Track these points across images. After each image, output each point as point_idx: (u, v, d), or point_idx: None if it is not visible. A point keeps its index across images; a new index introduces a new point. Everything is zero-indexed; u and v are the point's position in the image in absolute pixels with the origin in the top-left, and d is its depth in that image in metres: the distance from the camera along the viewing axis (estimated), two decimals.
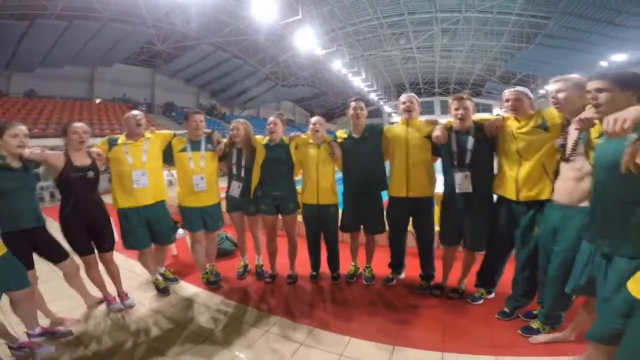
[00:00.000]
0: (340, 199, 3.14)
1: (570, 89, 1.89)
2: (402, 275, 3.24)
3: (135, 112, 2.98)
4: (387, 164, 3.04)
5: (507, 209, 2.41)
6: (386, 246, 3.22)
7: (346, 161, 3.03)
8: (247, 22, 16.12)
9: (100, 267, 2.85)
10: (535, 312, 2.40)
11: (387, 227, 3.10)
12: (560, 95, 1.93)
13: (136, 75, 21.44)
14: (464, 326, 2.43)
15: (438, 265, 3.01)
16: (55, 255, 2.52)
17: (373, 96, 29.95)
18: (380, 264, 3.27)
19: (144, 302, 2.97)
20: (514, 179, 2.30)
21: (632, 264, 1.38)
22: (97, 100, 18.65)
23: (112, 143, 2.86)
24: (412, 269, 3.19)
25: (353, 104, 2.98)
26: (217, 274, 3.39)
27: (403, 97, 2.91)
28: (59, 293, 2.91)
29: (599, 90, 1.52)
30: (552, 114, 2.14)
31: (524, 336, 2.24)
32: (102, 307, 2.85)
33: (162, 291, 3.12)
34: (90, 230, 2.70)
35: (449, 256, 2.89)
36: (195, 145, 3.09)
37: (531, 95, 2.36)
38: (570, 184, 1.91)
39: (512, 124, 2.34)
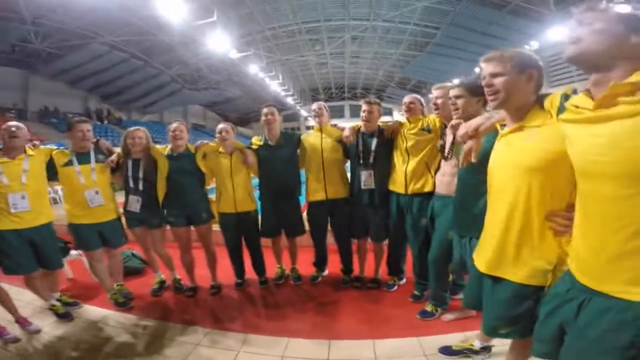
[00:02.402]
0: (258, 204, 3.14)
1: (445, 95, 2.23)
2: (326, 272, 3.39)
3: (11, 123, 2.53)
4: (301, 172, 3.16)
5: (397, 203, 2.74)
6: (308, 246, 3.33)
7: (262, 167, 3.03)
8: (151, 22, 14.66)
9: None
10: (416, 292, 2.78)
11: (306, 228, 3.22)
12: (439, 102, 2.30)
13: (4, 77, 17.62)
14: (386, 312, 2.67)
15: (356, 260, 3.23)
16: None
17: (290, 100, 30.37)
18: (305, 264, 3.36)
19: (44, 329, 2.54)
20: (403, 174, 2.64)
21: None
22: None
23: None
24: (332, 265, 3.36)
25: (265, 109, 3.00)
26: (127, 293, 3.06)
27: (314, 106, 3.10)
28: None
29: (457, 96, 1.90)
30: (434, 118, 2.54)
31: (423, 320, 2.51)
32: None
33: (63, 316, 2.71)
34: None
35: (362, 248, 3.15)
36: (83, 158, 2.74)
37: (423, 102, 2.74)
38: (448, 179, 2.26)
39: (405, 126, 2.69)
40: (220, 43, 14.59)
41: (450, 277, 2.49)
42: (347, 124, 3.16)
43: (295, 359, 2.17)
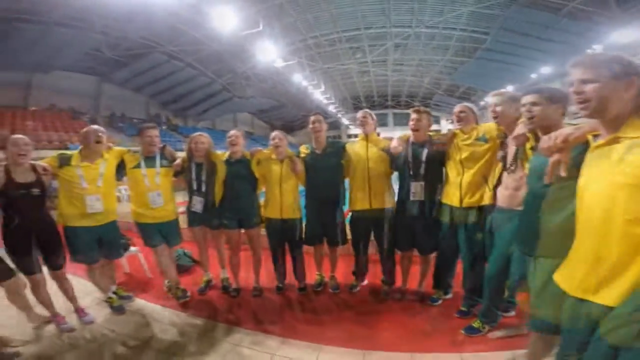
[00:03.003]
0: (303, 212, 3.20)
1: (505, 102, 2.14)
2: (365, 282, 3.35)
3: (96, 127, 2.78)
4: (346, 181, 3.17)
5: (450, 216, 2.62)
6: (349, 254, 3.32)
7: (309, 175, 3.09)
8: (205, 32, 15.75)
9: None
10: (463, 308, 2.65)
11: (348, 238, 3.21)
12: (498, 109, 2.18)
13: (79, 83, 19.85)
14: (428, 326, 2.59)
15: (398, 270, 3.16)
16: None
17: (332, 109, 30.64)
18: (344, 272, 3.36)
19: (98, 320, 2.78)
20: (458, 186, 2.53)
21: (554, 262, 1.50)
22: (32, 109, 16.95)
23: (63, 162, 2.66)
24: (373, 275, 3.31)
25: (312, 118, 3.08)
26: (183, 289, 3.24)
27: (359, 113, 3.09)
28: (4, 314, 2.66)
29: (534, 104, 1.69)
30: (489, 127, 2.42)
31: (468, 335, 2.39)
32: (51, 327, 2.63)
33: (117, 309, 2.94)
34: (39, 248, 2.51)
35: (406, 260, 3.07)
36: (149, 162, 2.97)
37: (475, 110, 2.63)
38: (510, 192, 2.13)
39: (458, 137, 2.59)
40: (266, 52, 15.19)
41: (505, 294, 2.34)
42: (391, 134, 3.13)
43: None
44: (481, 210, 2.45)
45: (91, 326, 2.69)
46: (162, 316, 2.88)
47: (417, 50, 21.77)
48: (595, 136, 1.26)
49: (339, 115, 34.89)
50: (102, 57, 17.94)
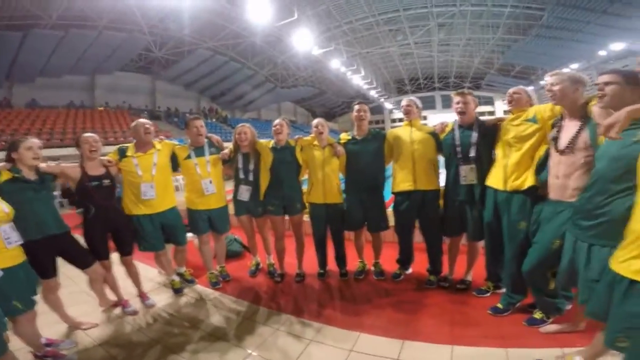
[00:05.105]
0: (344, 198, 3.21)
1: (565, 82, 1.95)
2: (410, 271, 3.28)
3: (143, 120, 3.02)
4: (388, 168, 3.12)
5: (494, 200, 2.47)
6: (393, 242, 3.27)
7: (350, 161, 3.10)
8: (243, 25, 16.17)
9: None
10: (499, 305, 2.49)
11: (390, 224, 3.17)
12: (555, 88, 1.99)
13: (136, 82, 21.62)
14: (472, 319, 2.47)
15: (445, 260, 3.05)
16: (83, 261, 2.61)
17: (373, 93, 29.98)
18: (389, 260, 3.32)
19: (158, 304, 3.04)
20: (503, 167, 2.39)
21: (611, 250, 1.48)
22: (100, 108, 18.79)
23: (122, 154, 2.92)
24: (419, 264, 3.24)
25: (357, 107, 3.08)
26: (226, 275, 3.45)
27: (403, 102, 3.02)
28: (74, 298, 2.99)
29: (607, 83, 1.61)
30: (542, 108, 2.23)
31: (530, 327, 2.27)
32: (117, 310, 2.92)
33: (177, 291, 3.19)
34: (112, 236, 2.80)
35: (454, 247, 2.96)
36: (199, 151, 3.14)
37: (531, 94, 2.47)
38: (562, 181, 1.97)
39: (509, 118, 2.45)
40: (302, 40, 15.22)
41: (552, 285, 2.17)
42: (439, 116, 3.03)
43: (363, 354, 2.16)
44: (527, 194, 2.28)
45: (152, 309, 2.93)
46: (212, 300, 3.07)
47: (464, 29, 20.40)
48: None
49: (382, 100, 34.01)
50: (152, 57, 19.25)
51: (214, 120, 23.80)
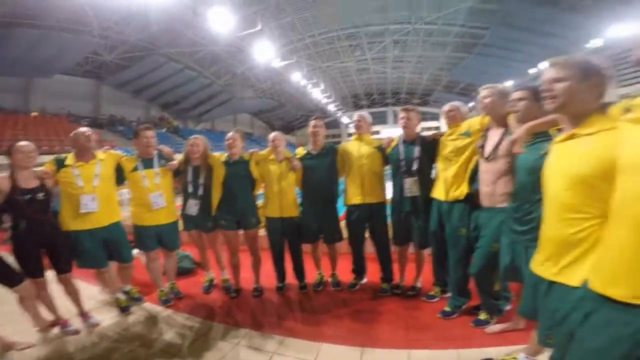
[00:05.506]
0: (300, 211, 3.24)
1: (495, 95, 2.19)
2: (365, 280, 3.38)
3: (83, 129, 2.84)
4: (341, 181, 3.25)
5: (438, 211, 2.69)
6: (347, 253, 3.36)
7: (305, 175, 3.16)
8: (202, 34, 15.79)
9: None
10: (447, 309, 2.66)
11: (344, 236, 3.27)
12: (486, 101, 2.23)
13: (78, 87, 19.95)
14: (425, 323, 2.60)
15: (396, 268, 3.19)
16: (10, 279, 2.36)
17: (332, 107, 30.65)
18: (344, 271, 3.39)
19: (103, 323, 2.81)
20: (444, 180, 2.61)
21: None
22: (34, 114, 17.05)
23: (59, 164, 2.70)
24: (372, 273, 3.35)
25: (313, 122, 3.16)
26: (177, 291, 3.29)
27: (355, 116, 3.20)
28: (6, 317, 2.68)
29: (520, 99, 1.84)
30: (472, 122, 2.48)
31: (477, 328, 2.43)
32: (56, 330, 2.66)
33: (124, 310, 2.97)
34: (47, 252, 2.57)
35: (403, 255, 3.12)
36: (147, 163, 3.00)
37: (464, 109, 2.71)
38: (490, 188, 2.19)
39: (446, 134, 2.68)
40: (264, 52, 15.22)
41: (497, 287, 2.39)
42: (391, 131, 3.22)
43: None
44: (465, 204, 2.50)
45: (96, 328, 2.71)
46: (164, 318, 2.91)
47: (416, 46, 21.78)
48: (559, 130, 1.41)
49: (339, 114, 34.88)
50: (100, 61, 18.01)
51: (164, 130, 22.73)
